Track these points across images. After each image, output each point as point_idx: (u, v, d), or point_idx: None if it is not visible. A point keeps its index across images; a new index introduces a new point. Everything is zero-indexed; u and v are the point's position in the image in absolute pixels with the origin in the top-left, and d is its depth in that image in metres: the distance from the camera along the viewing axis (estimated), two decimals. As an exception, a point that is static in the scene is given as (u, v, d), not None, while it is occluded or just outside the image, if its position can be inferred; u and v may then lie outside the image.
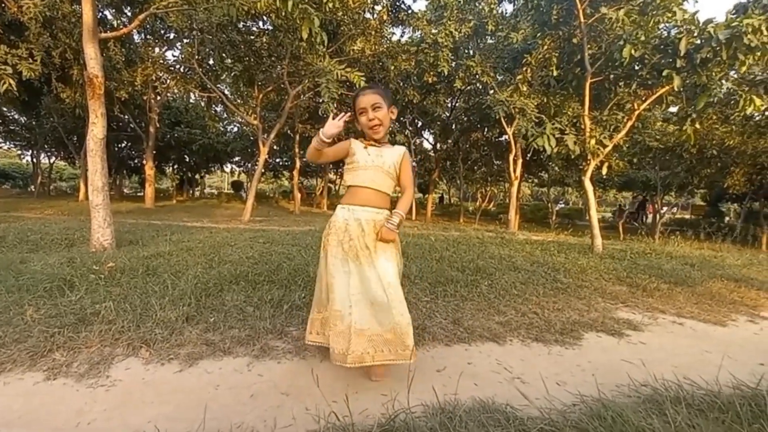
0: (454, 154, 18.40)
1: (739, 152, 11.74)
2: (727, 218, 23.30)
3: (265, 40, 10.55)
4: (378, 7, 10.84)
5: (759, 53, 4.79)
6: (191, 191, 28.98)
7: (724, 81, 5.44)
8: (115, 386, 1.74)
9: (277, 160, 25.54)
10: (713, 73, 5.32)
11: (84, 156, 14.78)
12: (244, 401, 1.67)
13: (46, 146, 22.28)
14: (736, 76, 6.37)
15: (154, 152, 16.03)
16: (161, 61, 11.86)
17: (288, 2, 4.46)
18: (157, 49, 12.48)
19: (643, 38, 5.22)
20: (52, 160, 25.68)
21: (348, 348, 1.74)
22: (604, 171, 6.72)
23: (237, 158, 26.59)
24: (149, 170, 15.53)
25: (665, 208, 17.76)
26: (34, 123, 18.91)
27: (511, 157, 12.31)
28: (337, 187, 31.49)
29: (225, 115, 21.47)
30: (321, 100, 9.27)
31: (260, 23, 10.62)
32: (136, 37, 13.08)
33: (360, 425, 1.45)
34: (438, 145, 17.99)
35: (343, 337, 1.77)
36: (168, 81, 13.08)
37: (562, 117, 8.25)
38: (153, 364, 1.95)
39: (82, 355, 1.98)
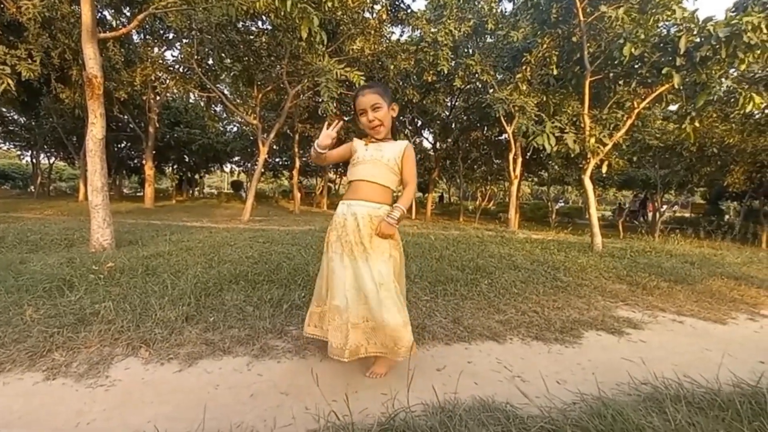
0: (453, 153, 18.40)
1: (738, 150, 11.73)
2: (726, 216, 23.30)
3: (264, 39, 10.56)
4: (377, 7, 10.83)
5: (759, 51, 4.79)
6: (191, 191, 28.98)
7: (723, 79, 5.43)
8: (114, 386, 1.74)
9: (277, 159, 25.54)
10: (713, 71, 5.32)
11: (83, 156, 14.78)
12: (244, 401, 1.67)
13: (45, 147, 22.27)
14: (735, 74, 6.37)
15: (154, 152, 16.03)
16: (160, 61, 11.87)
17: (287, 2, 4.45)
18: (156, 49, 12.48)
19: (642, 36, 5.22)
20: (51, 161, 25.68)
21: (346, 343, 1.78)
22: (604, 169, 6.72)
23: (236, 158, 26.60)
24: (149, 170, 15.53)
25: (665, 207, 17.76)
26: (33, 123, 18.90)
27: (510, 156, 12.31)
28: (337, 187, 31.49)
29: (224, 115, 21.48)
30: (320, 100, 9.28)
31: (259, 23, 10.61)
32: (135, 37, 13.08)
33: (360, 424, 1.44)
34: (438, 144, 17.99)
35: (340, 331, 1.81)
36: (167, 81, 13.09)
37: (561, 116, 8.24)
38: (152, 363, 1.95)
39: (82, 355, 1.97)
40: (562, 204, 34.92)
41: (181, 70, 12.21)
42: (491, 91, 10.07)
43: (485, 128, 15.55)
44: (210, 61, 11.74)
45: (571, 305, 3.22)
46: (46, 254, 4.36)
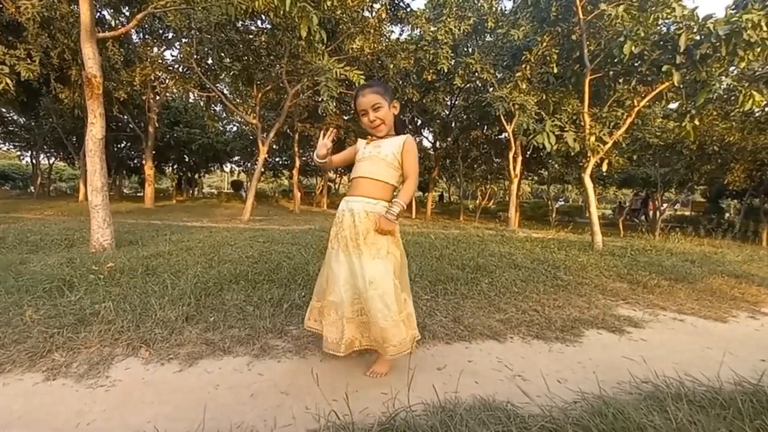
0: (453, 152, 18.38)
1: (739, 148, 11.73)
2: (727, 215, 23.29)
3: (263, 39, 10.55)
4: (377, 6, 10.81)
5: (759, 49, 4.78)
6: (191, 191, 28.98)
7: (723, 77, 5.43)
8: (114, 386, 1.74)
9: (277, 159, 25.51)
10: (713, 69, 5.31)
11: (83, 156, 14.75)
12: (244, 401, 1.66)
13: (45, 147, 22.25)
14: (735, 72, 6.36)
15: (154, 152, 16.02)
16: (160, 61, 11.85)
17: (286, 1, 4.44)
18: (155, 49, 12.46)
19: (642, 34, 5.21)
20: (51, 161, 25.66)
21: (342, 337, 1.82)
22: (604, 168, 6.71)
23: (236, 158, 26.56)
24: (149, 170, 15.52)
25: (665, 205, 17.75)
26: (33, 124, 18.89)
27: (510, 155, 12.30)
28: (336, 186, 31.49)
29: (224, 115, 21.49)
30: (320, 99, 9.26)
31: (259, 22, 10.60)
32: (134, 36, 13.06)
33: (360, 424, 1.44)
34: (438, 144, 17.98)
35: (336, 326, 1.84)
36: (167, 81, 13.08)
37: (561, 114, 8.23)
38: (153, 364, 1.94)
39: (82, 355, 1.97)
40: (563, 203, 34.95)
41: (180, 69, 12.20)
42: (491, 89, 10.06)
43: (485, 127, 15.54)
44: (209, 61, 11.73)
45: (571, 304, 3.21)
46: (46, 255, 4.36)
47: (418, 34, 12.44)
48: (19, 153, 27.69)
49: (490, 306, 3.03)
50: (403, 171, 1.91)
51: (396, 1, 11.72)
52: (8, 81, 6.16)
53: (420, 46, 11.11)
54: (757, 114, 10.71)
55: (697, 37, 5.03)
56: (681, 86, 5.60)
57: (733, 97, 6.96)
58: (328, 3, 6.36)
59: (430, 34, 10.82)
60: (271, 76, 11.69)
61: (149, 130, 15.19)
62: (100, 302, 2.54)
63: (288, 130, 17.06)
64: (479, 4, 11.62)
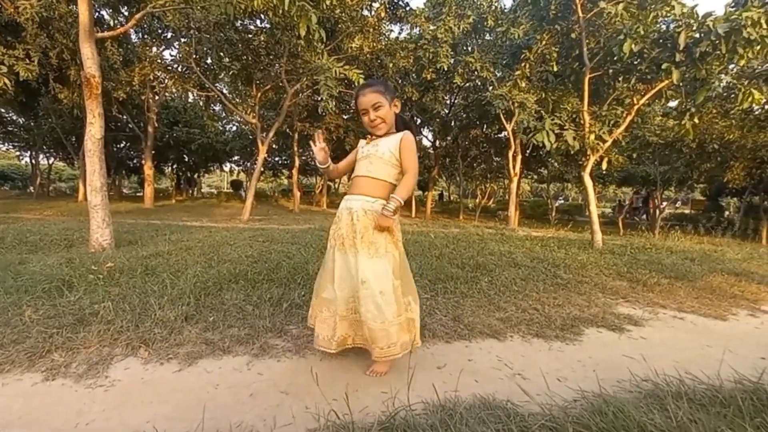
0: (453, 151, 18.38)
1: (738, 146, 11.73)
2: (726, 212, 23.31)
3: (262, 38, 10.53)
4: (376, 5, 10.81)
5: (758, 47, 4.77)
6: (191, 191, 28.97)
7: (723, 75, 5.42)
8: (114, 386, 1.74)
9: (276, 158, 25.51)
10: (712, 67, 5.31)
11: (82, 156, 14.76)
12: (244, 400, 1.66)
13: (44, 147, 22.24)
14: (735, 70, 6.35)
15: (153, 152, 16.01)
16: (159, 61, 11.84)
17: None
18: (154, 49, 12.44)
19: (642, 32, 5.20)
20: (50, 161, 25.65)
21: (333, 335, 1.84)
22: (604, 166, 6.71)
23: (236, 157, 26.56)
24: (148, 170, 15.51)
25: (665, 203, 17.75)
26: (32, 124, 18.89)
27: (510, 154, 12.30)
28: (336, 185, 31.47)
29: (223, 114, 21.48)
30: (320, 98, 9.26)
31: (258, 21, 10.59)
32: (133, 36, 13.06)
33: (360, 423, 1.44)
34: (437, 142, 17.98)
35: (327, 323, 1.87)
36: (166, 80, 13.06)
37: (561, 112, 8.23)
38: (152, 363, 1.94)
39: (81, 355, 1.97)
40: (562, 201, 34.96)
41: (179, 69, 12.18)
42: (491, 88, 10.06)
43: (485, 126, 15.55)
44: (208, 60, 11.72)
45: (571, 302, 3.21)
46: (45, 255, 4.36)
47: (418, 32, 12.44)
48: (18, 153, 27.68)
49: (490, 304, 3.03)
50: (401, 167, 1.90)
51: (395, 0, 11.72)
52: (6, 81, 6.15)
53: (420, 45, 11.11)
54: (756, 112, 10.71)
55: (697, 35, 5.02)
56: (680, 84, 5.60)
57: (732, 95, 6.96)
58: (327, 2, 6.36)
59: (430, 32, 10.81)
60: (270, 75, 11.68)
61: (148, 130, 15.18)
62: (100, 302, 2.54)
63: (287, 130, 17.05)
64: (478, 3, 11.61)
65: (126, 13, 11.71)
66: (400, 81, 12.92)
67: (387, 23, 12.24)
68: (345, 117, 15.65)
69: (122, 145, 21.95)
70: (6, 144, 23.61)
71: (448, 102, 15.62)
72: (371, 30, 10.82)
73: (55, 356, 1.93)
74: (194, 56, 10.74)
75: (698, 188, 23.48)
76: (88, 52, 4.79)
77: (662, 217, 15.07)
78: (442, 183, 32.77)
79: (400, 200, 1.81)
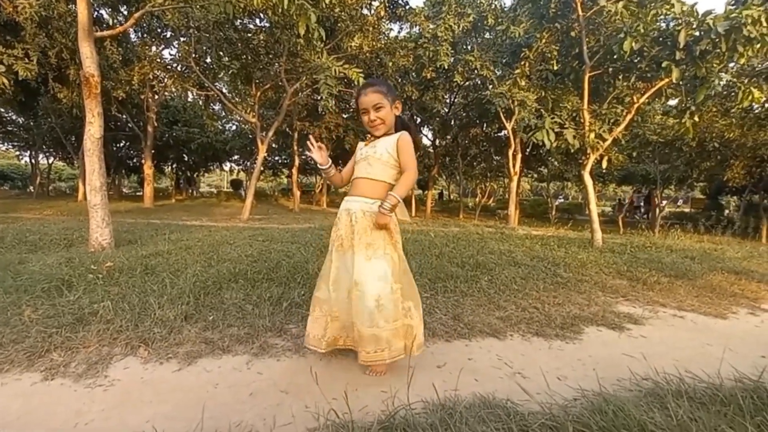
0: (453, 150, 18.38)
1: (738, 145, 11.73)
2: (726, 211, 23.31)
3: (262, 37, 10.52)
4: (375, 3, 10.79)
5: (758, 45, 4.76)
6: (191, 190, 28.97)
7: (723, 73, 5.42)
8: (113, 386, 1.73)
9: (276, 158, 25.49)
10: (712, 65, 5.30)
11: (82, 156, 14.76)
12: (243, 399, 1.66)
13: (44, 147, 22.23)
14: (735, 68, 6.34)
15: (153, 151, 16.00)
16: (158, 60, 11.82)
17: (284, -2, 4.42)
18: (153, 48, 12.43)
19: (642, 31, 5.19)
20: (50, 161, 25.64)
21: (324, 334, 1.85)
22: (604, 165, 6.71)
23: (236, 156, 26.55)
24: (148, 169, 15.50)
25: (664, 202, 17.76)
26: (31, 123, 18.86)
27: (510, 153, 12.30)
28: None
29: (223, 114, 21.46)
30: (319, 97, 9.25)
31: (257, 20, 10.58)
32: (132, 35, 13.05)
33: (360, 422, 1.43)
34: (437, 141, 17.97)
35: (319, 323, 1.88)
36: (165, 80, 13.06)
37: (561, 111, 8.23)
38: (151, 363, 1.94)
39: (80, 355, 1.96)
40: (562, 200, 34.96)
41: (179, 68, 12.17)
42: (491, 87, 10.05)
43: (484, 125, 15.54)
44: (208, 60, 11.71)
45: (571, 301, 3.21)
46: (45, 254, 4.35)
47: (417, 31, 12.42)
48: (18, 153, 27.65)
49: (490, 303, 3.03)
50: (400, 167, 1.88)
51: (394, -1, 11.72)
52: (5, 81, 6.13)
53: (420, 44, 11.09)
54: (756, 110, 10.70)
55: (697, 33, 5.02)
56: (680, 83, 5.59)
57: (732, 94, 6.95)
58: (327, 1, 6.36)
59: (430, 31, 10.80)
60: (269, 74, 11.66)
61: (148, 130, 15.17)
62: (99, 302, 2.53)
63: (287, 129, 17.04)
64: (478, 1, 11.60)
65: (125, 12, 11.70)
66: (399, 80, 12.91)
67: (386, 22, 12.24)
68: (345, 116, 15.64)
69: (122, 144, 21.93)
70: (5, 143, 23.61)
71: (448, 101, 15.61)
72: (371, 29, 10.81)
73: (54, 356, 1.93)
74: (194, 55, 10.72)
75: (698, 187, 23.47)
76: (87, 52, 4.78)
77: (662, 216, 15.05)
78: (441, 182, 32.77)
79: (397, 198, 1.79)
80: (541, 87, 8.38)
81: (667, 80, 5.63)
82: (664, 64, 5.25)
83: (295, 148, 16.44)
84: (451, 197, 35.65)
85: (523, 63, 7.86)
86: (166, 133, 18.74)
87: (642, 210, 20.53)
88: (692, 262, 4.99)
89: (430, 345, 2.27)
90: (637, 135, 12.10)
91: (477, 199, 24.43)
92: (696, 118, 6.06)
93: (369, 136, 2.00)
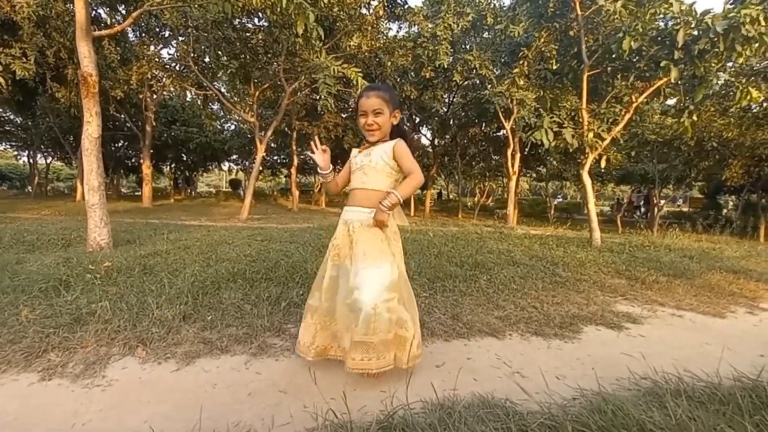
0: (452, 150, 18.38)
1: (737, 144, 11.75)
2: (724, 210, 23.35)
3: (260, 36, 10.50)
4: (374, 3, 10.78)
5: (756, 44, 4.77)
6: (189, 190, 28.93)
7: (721, 73, 5.42)
8: (111, 386, 1.72)
9: (275, 157, 25.49)
10: (711, 65, 5.30)
11: (80, 156, 14.71)
12: (242, 399, 1.65)
13: (42, 146, 22.18)
14: (733, 67, 6.35)
15: (152, 151, 15.98)
16: (156, 59, 11.81)
17: (282, -3, 4.41)
18: (152, 47, 12.41)
19: (640, 30, 5.20)
20: (48, 161, 25.59)
21: (312, 342, 1.84)
22: (603, 164, 6.72)
23: (234, 156, 26.55)
24: (146, 169, 15.47)
25: (663, 202, 17.79)
26: (29, 123, 18.80)
27: (509, 152, 12.31)
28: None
29: (222, 113, 21.42)
30: (318, 97, 9.24)
31: (255, 20, 10.56)
32: (130, 35, 13.01)
33: (358, 422, 1.43)
34: (436, 141, 17.97)
35: (309, 330, 1.87)
36: (164, 79, 13.02)
37: (560, 110, 8.24)
38: (149, 363, 1.93)
39: (78, 355, 1.96)
40: (561, 199, 35.01)
41: (177, 67, 12.15)
42: (489, 86, 10.05)
43: (483, 124, 15.54)
44: (206, 59, 11.68)
45: (570, 300, 3.21)
46: (42, 254, 4.33)
47: (416, 31, 12.41)
48: (16, 153, 27.58)
49: (489, 303, 3.03)
50: (402, 173, 1.85)
51: (393, -2, 11.71)
52: (2, 80, 6.11)
53: (419, 43, 11.09)
54: (755, 110, 10.72)
55: (695, 33, 5.02)
56: (679, 82, 5.60)
57: (730, 93, 6.96)
58: (325, 0, 6.33)
59: (429, 30, 10.80)
60: (268, 74, 11.65)
61: (146, 129, 15.14)
62: (97, 301, 2.52)
63: (286, 128, 17.03)
64: (477, 0, 11.60)
65: (123, 12, 11.68)
66: (398, 79, 12.90)
67: (385, 21, 12.22)
68: (344, 115, 15.62)
69: (120, 144, 21.90)
70: (3, 143, 23.54)
71: (446, 100, 15.62)
72: (369, 28, 10.80)
73: (52, 356, 1.92)
74: (192, 55, 10.70)
75: (696, 186, 23.51)
76: (85, 51, 4.77)
77: (660, 215, 15.08)
78: (440, 181, 32.79)
79: (399, 197, 1.76)
80: (540, 86, 8.38)
81: (665, 79, 5.64)
82: (662, 64, 5.25)
83: (294, 147, 16.43)
84: (450, 197, 35.67)
85: (521, 62, 7.85)
86: (164, 133, 18.71)
87: (642, 210, 20.54)
88: (691, 261, 5.00)
89: (429, 345, 2.27)
90: (636, 134, 12.12)
91: (476, 199, 24.47)
92: (694, 118, 6.06)
93: (364, 142, 1.98)
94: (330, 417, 1.46)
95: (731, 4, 5.42)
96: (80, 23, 4.75)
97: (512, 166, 12.45)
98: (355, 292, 1.72)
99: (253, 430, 1.45)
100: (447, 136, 17.63)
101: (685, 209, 28.03)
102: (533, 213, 22.24)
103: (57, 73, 10.28)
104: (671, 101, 7.75)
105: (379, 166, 1.84)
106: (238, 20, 10.03)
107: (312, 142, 2.00)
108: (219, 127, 22.07)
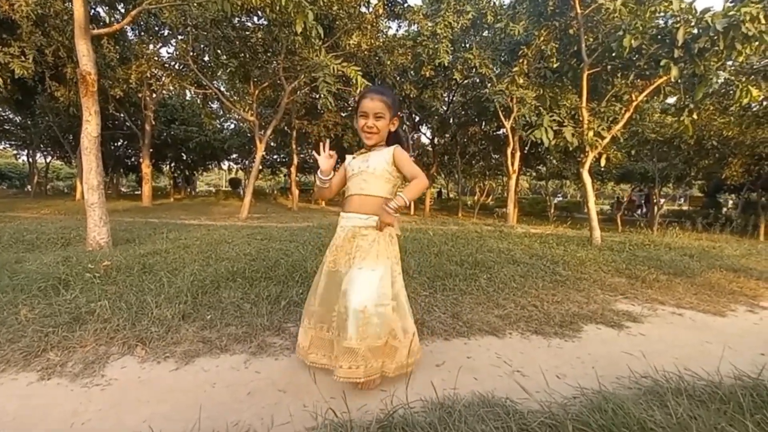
0: (452, 149, 18.36)
1: (737, 143, 11.74)
2: (724, 209, 23.37)
3: (260, 35, 10.48)
4: (373, 1, 10.76)
5: (756, 43, 4.76)
6: (189, 189, 28.92)
7: (721, 71, 5.41)
8: (110, 385, 1.72)
9: (275, 156, 25.47)
10: (711, 63, 5.29)
11: (79, 155, 14.70)
12: (241, 399, 1.65)
13: (41, 145, 22.17)
14: (733, 66, 6.34)
15: (151, 150, 15.96)
16: (156, 58, 11.78)
17: (282, -4, 4.41)
18: (151, 46, 12.39)
19: (640, 28, 5.19)
20: (48, 160, 25.57)
21: (308, 346, 1.85)
22: (603, 163, 6.72)
23: (234, 155, 26.51)
24: (146, 168, 15.47)
25: (662, 200, 17.79)
26: (29, 122, 18.78)
27: (508, 151, 12.30)
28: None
29: (221, 112, 21.38)
30: (317, 96, 9.22)
31: (255, 18, 10.54)
32: (129, 33, 12.99)
33: (358, 421, 1.43)
34: (436, 140, 17.95)
35: (305, 333, 1.87)
36: (163, 78, 13.01)
37: (560, 109, 8.23)
38: (149, 362, 1.93)
39: (77, 354, 1.95)
40: (561, 198, 35.01)
41: (176, 66, 12.13)
42: (489, 85, 10.04)
43: (483, 123, 15.53)
44: (206, 58, 11.64)
45: (570, 299, 3.21)
46: (42, 253, 4.33)
47: (416, 29, 12.39)
48: (15, 152, 27.55)
49: (489, 302, 3.02)
50: (406, 177, 1.83)
51: (393, -3, 11.69)
52: (1, 79, 6.09)
53: (419, 42, 11.07)
54: (754, 108, 10.71)
55: (695, 31, 5.01)
56: (679, 81, 5.59)
57: (731, 92, 6.96)
58: (325, -2, 6.32)
59: (429, 28, 10.78)
60: (267, 72, 11.62)
61: (146, 128, 15.13)
62: (96, 301, 2.52)
63: (285, 127, 17.01)
64: (477, -1, 11.58)
65: (122, 10, 11.65)
66: (398, 78, 12.88)
67: (385, 20, 12.20)
68: (343, 114, 15.60)
69: (120, 143, 21.88)
70: (3, 142, 23.52)
71: (446, 99, 15.59)
72: (369, 27, 10.78)
73: (51, 355, 1.92)
74: (191, 53, 10.67)
75: (696, 185, 23.50)
76: (83, 50, 4.75)
77: (660, 214, 15.08)
78: (440, 180, 32.74)
79: (404, 199, 1.75)
80: (540, 85, 8.37)
81: (665, 78, 5.63)
82: (662, 62, 5.24)
83: (294, 146, 16.41)
84: (450, 196, 35.66)
85: (521, 61, 7.84)
86: (164, 132, 18.70)
87: (644, 209, 20.53)
88: (691, 259, 5.00)
89: (429, 344, 2.26)
90: (636, 133, 12.11)
91: (476, 198, 24.46)
92: (694, 116, 6.06)
93: (359, 148, 1.97)
94: (330, 416, 1.45)
95: (731, 3, 5.41)
96: (79, 22, 4.73)
97: (512, 164, 12.45)
98: (349, 294, 1.68)
99: (252, 430, 1.45)
100: (447, 135, 17.62)
101: (685, 208, 28.06)
102: (533, 212, 22.25)
103: (56, 71, 10.25)
104: (671, 100, 7.75)
105: (378, 172, 1.82)
106: (237, 19, 10.01)
107: (321, 144, 1.95)
108: (218, 126, 22.05)
